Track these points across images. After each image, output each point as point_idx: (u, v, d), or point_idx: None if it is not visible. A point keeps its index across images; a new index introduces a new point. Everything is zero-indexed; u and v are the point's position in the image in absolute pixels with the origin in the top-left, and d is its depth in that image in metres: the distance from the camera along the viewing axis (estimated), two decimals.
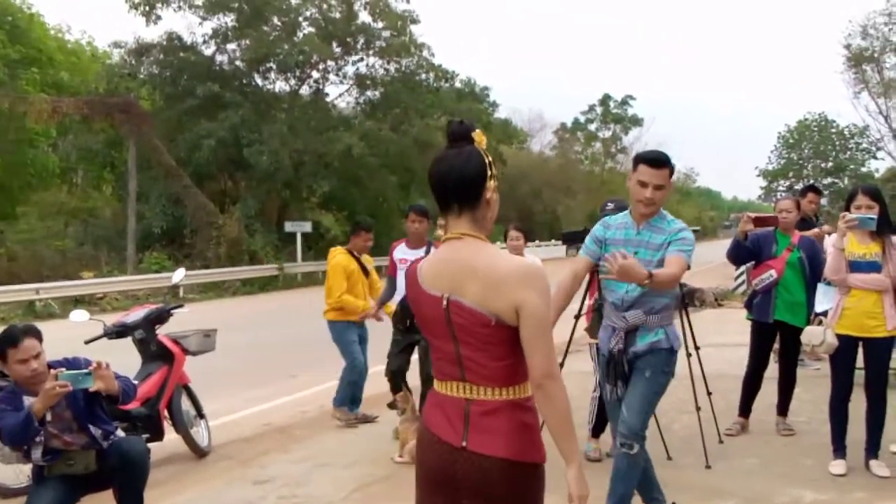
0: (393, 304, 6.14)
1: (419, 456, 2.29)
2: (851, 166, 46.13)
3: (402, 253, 5.99)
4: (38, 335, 3.73)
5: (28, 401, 3.63)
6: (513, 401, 2.13)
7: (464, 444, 2.12)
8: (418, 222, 5.93)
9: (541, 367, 2.06)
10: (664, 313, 3.71)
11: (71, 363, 3.79)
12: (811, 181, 46.16)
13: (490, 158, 2.18)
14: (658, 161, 3.62)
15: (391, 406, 5.74)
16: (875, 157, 43.88)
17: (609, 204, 5.62)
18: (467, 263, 2.11)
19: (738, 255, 5.80)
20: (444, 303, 2.12)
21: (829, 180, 47.17)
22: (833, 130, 47.02)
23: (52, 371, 3.60)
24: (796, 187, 42.14)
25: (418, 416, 5.52)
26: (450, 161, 2.15)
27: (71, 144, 27.13)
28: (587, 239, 3.88)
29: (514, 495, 2.13)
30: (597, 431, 5.35)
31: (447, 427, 2.16)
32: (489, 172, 2.16)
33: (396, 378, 5.89)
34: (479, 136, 2.18)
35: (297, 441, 6.12)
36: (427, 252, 5.83)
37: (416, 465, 2.32)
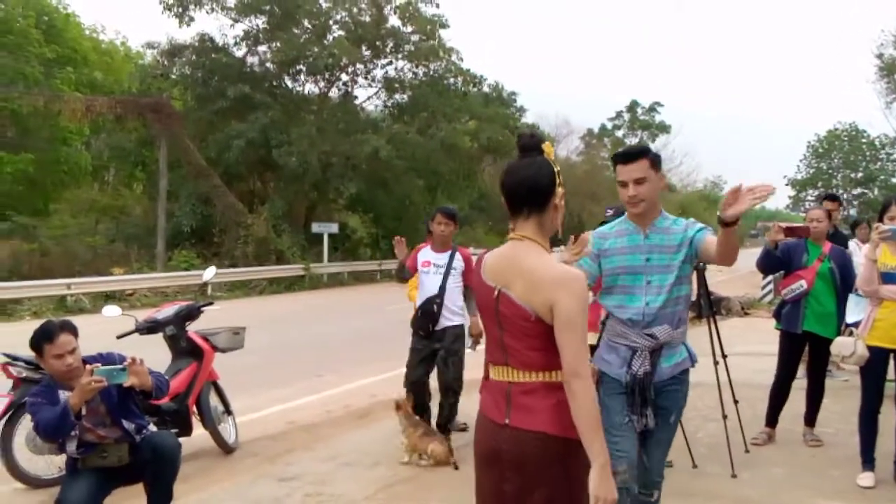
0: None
1: (475, 437, 2.50)
2: (882, 177, 45.56)
3: (426, 255, 5.86)
4: (73, 331, 3.80)
5: (63, 395, 3.70)
6: (548, 382, 2.32)
7: (506, 420, 2.34)
8: (444, 224, 5.76)
9: (568, 365, 2.23)
10: (683, 327, 3.34)
11: (106, 359, 3.86)
12: (840, 191, 45.63)
13: (558, 168, 2.38)
14: (629, 155, 3.27)
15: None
16: None
17: (609, 210, 5.60)
18: (518, 263, 2.34)
19: (769, 264, 5.74)
20: (496, 293, 2.36)
21: (858, 191, 46.61)
22: (864, 140, 46.47)
23: (88, 366, 3.66)
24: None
25: (418, 422, 5.50)
26: (524, 170, 2.37)
27: (103, 143, 27.59)
28: (582, 259, 3.45)
29: (551, 467, 2.30)
30: None
31: (494, 408, 2.40)
32: (558, 181, 2.38)
33: (416, 389, 5.81)
34: (548, 148, 2.40)
35: (323, 440, 6.18)
36: (452, 256, 5.78)
37: (474, 445, 2.52)
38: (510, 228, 2.43)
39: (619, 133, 57.22)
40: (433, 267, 5.76)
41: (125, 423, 3.86)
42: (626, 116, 57.03)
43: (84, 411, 3.69)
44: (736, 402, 5.41)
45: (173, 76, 27.27)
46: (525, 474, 2.31)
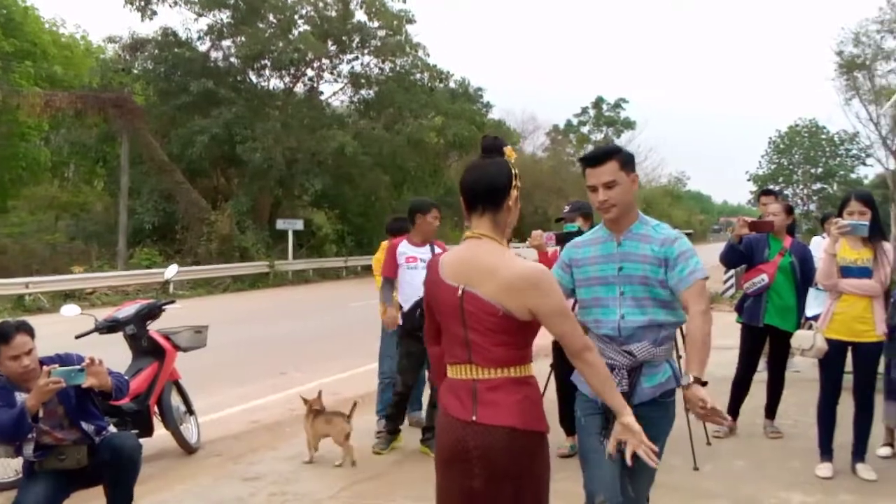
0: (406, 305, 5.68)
1: (438, 437, 2.54)
2: (841, 172, 46.42)
3: (409, 250, 5.68)
4: (30, 331, 3.71)
5: (20, 397, 3.62)
6: (514, 378, 2.39)
7: (473, 417, 2.37)
8: (438, 220, 5.75)
9: (573, 345, 2.38)
10: (668, 344, 3.01)
11: (63, 359, 3.78)
12: (801, 186, 46.44)
13: (517, 171, 2.47)
14: (595, 158, 3.00)
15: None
16: (864, 164, 44.17)
17: (566, 206, 5.58)
18: (483, 263, 2.39)
19: (732, 258, 5.84)
20: (460, 292, 2.40)
21: (818, 186, 47.45)
22: (823, 137, 47.29)
23: (45, 367, 3.59)
24: (786, 192, 42.29)
25: (312, 411, 5.43)
26: (483, 169, 2.46)
27: (63, 139, 27.08)
28: (555, 267, 3.19)
29: (519, 461, 2.37)
30: (572, 430, 5.27)
31: (459, 406, 2.42)
32: (514, 183, 2.45)
33: (408, 394, 5.73)
34: (509, 152, 2.49)
35: (286, 439, 6.12)
36: (432, 250, 5.64)
37: (435, 445, 2.56)
38: (465, 226, 2.48)
39: (585, 129, 57.64)
40: (420, 262, 5.52)
41: (84, 425, 3.78)
42: (592, 112, 57.46)
43: (41, 413, 3.62)
44: None
45: (135, 71, 26.89)
46: (494, 469, 2.34)
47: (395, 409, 5.73)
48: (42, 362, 3.71)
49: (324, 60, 28.91)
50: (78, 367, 3.61)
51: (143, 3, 25.08)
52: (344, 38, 28.65)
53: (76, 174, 30.25)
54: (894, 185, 25.74)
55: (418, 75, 30.07)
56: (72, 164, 29.55)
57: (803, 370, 7.21)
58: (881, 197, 25.06)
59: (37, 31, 27.91)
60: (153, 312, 5.72)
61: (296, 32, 27.62)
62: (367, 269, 27.92)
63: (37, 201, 25.49)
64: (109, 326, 5.55)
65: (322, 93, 30.66)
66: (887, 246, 4.75)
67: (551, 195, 45.59)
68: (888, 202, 25.83)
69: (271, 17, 27.66)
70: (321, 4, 28.25)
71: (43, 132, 27.24)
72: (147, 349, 5.57)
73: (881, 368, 5.08)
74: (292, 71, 28.37)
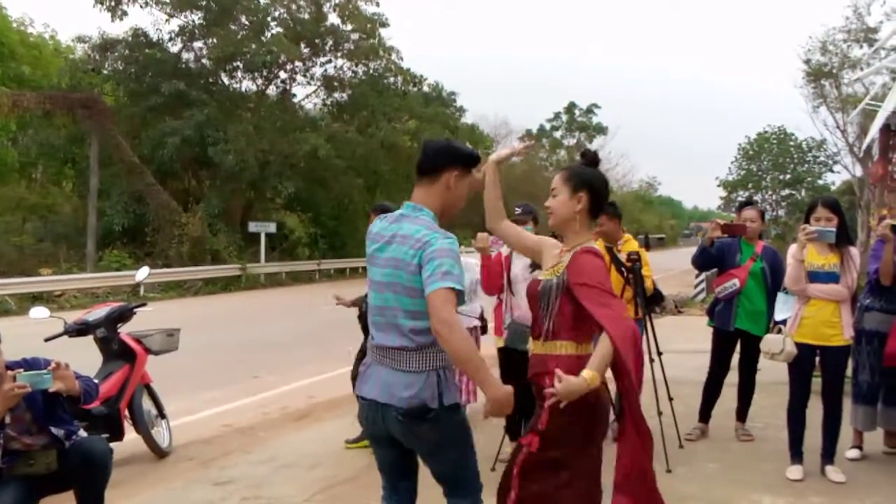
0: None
1: None
2: (809, 179, 47.02)
3: None
4: None
5: None
6: None
7: None
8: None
9: None
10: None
11: (30, 363, 3.69)
12: (770, 192, 47.03)
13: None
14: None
15: None
16: (832, 171, 44.77)
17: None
18: None
19: (704, 261, 5.89)
20: None
21: (786, 192, 48.02)
22: (792, 143, 47.86)
23: (10, 372, 3.51)
24: (755, 198, 42.82)
25: None
26: None
27: (31, 139, 26.57)
28: None
29: None
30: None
31: None
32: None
33: None
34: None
35: (260, 442, 6.08)
36: None
37: None
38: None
39: (557, 134, 57.96)
40: None
41: (53, 430, 3.71)
42: (565, 118, 57.80)
43: (8, 419, 3.56)
44: (671, 398, 5.51)
45: (105, 71, 26.55)
46: None
47: None
48: (8, 367, 3.61)
49: (297, 63, 28.79)
50: (44, 371, 3.55)
51: (113, 3, 24.77)
52: (317, 40, 28.56)
53: (44, 175, 29.72)
54: (861, 192, 26.12)
55: (392, 79, 30.09)
56: (40, 165, 29.04)
57: (764, 369, 7.29)
58: (848, 203, 25.44)
59: (4, 29, 27.49)
60: (124, 315, 5.67)
61: (268, 34, 27.46)
62: (340, 273, 27.87)
63: (4, 202, 24.99)
64: (79, 329, 5.48)
65: (295, 95, 30.58)
66: (854, 251, 4.82)
67: (523, 199, 45.73)
68: (855, 208, 26.20)
69: (243, 19, 27.50)
70: (294, 7, 28.13)
71: (10, 133, 26.80)
72: (118, 352, 5.50)
73: (849, 372, 5.17)
74: (265, 73, 28.22)
